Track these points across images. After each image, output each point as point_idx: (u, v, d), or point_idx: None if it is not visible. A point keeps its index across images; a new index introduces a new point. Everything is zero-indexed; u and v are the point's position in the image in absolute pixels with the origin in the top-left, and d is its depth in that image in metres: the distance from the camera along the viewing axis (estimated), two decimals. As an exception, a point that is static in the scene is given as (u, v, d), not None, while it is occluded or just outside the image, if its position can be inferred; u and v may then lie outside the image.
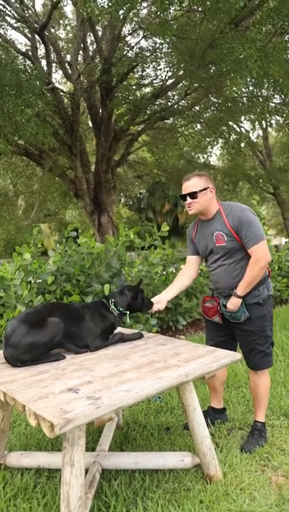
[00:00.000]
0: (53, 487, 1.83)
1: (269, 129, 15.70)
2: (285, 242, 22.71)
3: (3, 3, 7.34)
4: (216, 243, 2.21)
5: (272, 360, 2.28)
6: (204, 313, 2.34)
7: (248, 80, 7.44)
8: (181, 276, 2.48)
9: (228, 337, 2.33)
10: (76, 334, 2.00)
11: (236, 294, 2.13)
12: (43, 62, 8.39)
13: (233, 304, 2.14)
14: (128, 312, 2.25)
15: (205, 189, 2.20)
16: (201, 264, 2.49)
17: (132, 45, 8.86)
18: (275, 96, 8.41)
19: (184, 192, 2.24)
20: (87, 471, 1.75)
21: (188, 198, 2.21)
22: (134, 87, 8.97)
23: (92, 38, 9.36)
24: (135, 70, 8.61)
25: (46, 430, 1.25)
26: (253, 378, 2.28)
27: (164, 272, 4.63)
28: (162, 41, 7.35)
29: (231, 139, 11.02)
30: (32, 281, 3.50)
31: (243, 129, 12.46)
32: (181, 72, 7.98)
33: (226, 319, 2.25)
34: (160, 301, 2.38)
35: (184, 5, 5.96)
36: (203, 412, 1.93)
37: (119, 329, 2.56)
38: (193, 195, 2.20)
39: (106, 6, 5.17)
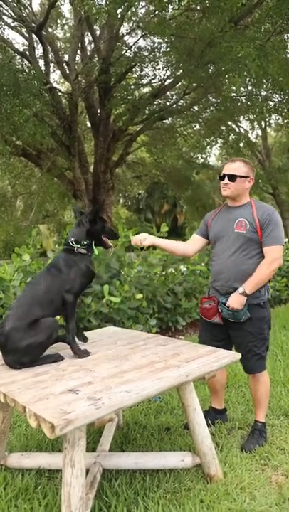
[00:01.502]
0: (53, 487, 1.83)
1: (268, 129, 15.72)
2: (285, 242, 22.75)
3: (0, 2, 7.32)
4: (235, 229, 2.15)
5: (265, 364, 2.27)
6: (203, 314, 2.28)
7: (247, 79, 7.44)
8: (179, 243, 2.44)
9: (225, 342, 2.25)
10: (53, 297, 1.90)
11: (244, 292, 2.07)
12: (41, 62, 8.39)
13: (239, 301, 2.08)
14: (93, 242, 2.07)
15: (245, 177, 2.20)
16: (202, 249, 2.42)
17: (130, 44, 8.85)
18: (274, 95, 8.41)
19: (225, 172, 2.22)
20: (87, 471, 1.75)
21: (226, 178, 2.20)
22: (132, 86, 8.98)
23: (90, 38, 9.37)
24: (133, 69, 8.62)
25: (47, 431, 1.25)
26: (252, 381, 2.27)
27: (164, 273, 4.62)
28: (161, 40, 7.35)
29: (230, 138, 11.02)
30: (31, 282, 3.49)
31: (242, 129, 12.46)
32: (179, 72, 7.99)
33: (225, 320, 2.19)
34: (147, 237, 2.22)
35: (182, 3, 5.96)
36: (203, 411, 1.93)
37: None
38: (232, 177, 2.19)
39: (104, 4, 5.15)
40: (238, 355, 1.90)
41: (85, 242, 2.04)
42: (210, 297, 2.25)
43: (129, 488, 1.80)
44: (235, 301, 2.08)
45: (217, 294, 2.23)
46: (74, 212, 2.18)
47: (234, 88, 7.55)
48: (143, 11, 8.05)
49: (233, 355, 1.87)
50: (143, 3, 7.75)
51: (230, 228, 2.17)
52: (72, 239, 2.04)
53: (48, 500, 1.73)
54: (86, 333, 2.29)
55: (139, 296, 3.83)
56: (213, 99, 9.43)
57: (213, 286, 2.28)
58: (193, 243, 2.40)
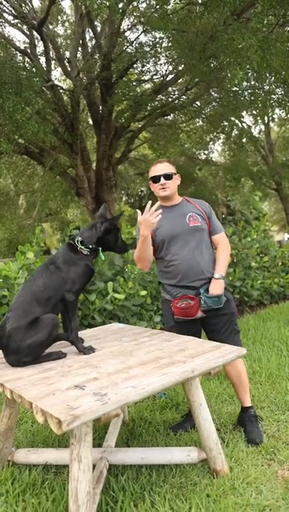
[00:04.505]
0: (60, 483, 1.84)
1: (271, 124, 15.60)
2: (288, 238, 22.63)
3: (0, -1, 7.30)
4: (189, 223, 2.22)
5: None
6: (184, 315, 2.19)
7: (250, 73, 7.37)
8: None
9: (198, 336, 2.27)
10: (51, 294, 1.88)
11: (222, 276, 2.19)
12: (42, 60, 8.36)
13: (221, 287, 2.17)
14: (100, 248, 2.04)
15: (176, 174, 2.30)
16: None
17: (131, 40, 8.81)
18: (278, 89, 8.34)
19: (157, 173, 2.25)
20: (94, 466, 1.76)
21: (162, 179, 2.23)
22: (134, 83, 8.92)
23: (91, 34, 9.32)
24: (135, 65, 8.56)
25: (54, 427, 1.26)
26: (235, 366, 2.25)
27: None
28: (162, 35, 7.29)
29: (233, 134, 10.96)
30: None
31: (244, 125, 12.39)
32: (181, 67, 7.93)
33: (205, 311, 2.19)
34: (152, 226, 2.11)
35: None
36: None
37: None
38: (168, 176, 2.24)
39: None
40: (244, 350, 1.90)
41: (90, 246, 2.01)
42: (182, 296, 2.20)
43: (136, 483, 1.81)
44: (218, 287, 2.17)
45: (187, 291, 2.20)
46: (99, 212, 2.11)
47: (236, 82, 7.48)
48: (144, 5, 8.00)
49: (238, 351, 1.87)
50: (144, -2, 7.70)
51: (184, 224, 2.22)
52: (80, 238, 2.02)
53: (55, 495, 1.74)
54: (91, 330, 2.30)
55: (143, 292, 3.83)
56: (216, 95, 9.37)
57: (178, 285, 2.23)
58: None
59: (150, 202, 2.09)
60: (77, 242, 2.01)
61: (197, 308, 2.18)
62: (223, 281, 2.19)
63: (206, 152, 13.04)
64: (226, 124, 10.45)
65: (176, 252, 2.21)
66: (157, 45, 8.06)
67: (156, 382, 1.50)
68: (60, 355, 1.88)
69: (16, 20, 7.95)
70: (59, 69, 9.66)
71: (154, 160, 13.23)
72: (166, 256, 2.25)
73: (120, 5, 5.80)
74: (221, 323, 2.24)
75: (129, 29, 8.80)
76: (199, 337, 2.28)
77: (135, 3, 6.93)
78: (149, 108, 8.84)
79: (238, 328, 2.31)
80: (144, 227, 2.09)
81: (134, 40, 8.35)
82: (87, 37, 9.56)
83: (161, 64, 8.68)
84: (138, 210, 2.14)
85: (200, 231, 2.23)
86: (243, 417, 2.28)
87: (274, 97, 8.64)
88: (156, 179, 2.25)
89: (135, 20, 8.20)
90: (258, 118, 12.41)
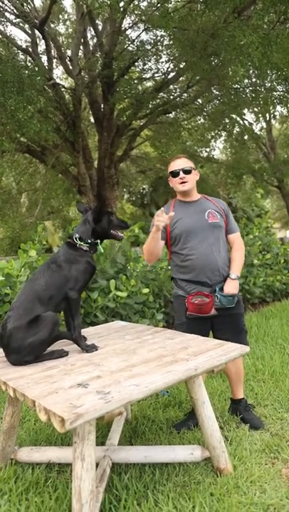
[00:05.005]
0: (64, 481, 1.84)
1: (273, 121, 15.54)
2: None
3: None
4: (208, 220, 2.24)
5: None
6: (198, 311, 2.20)
7: (251, 70, 7.34)
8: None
9: (207, 334, 2.30)
10: (53, 293, 1.88)
11: (237, 275, 2.24)
12: (44, 58, 8.35)
13: (236, 287, 2.21)
14: (98, 241, 2.04)
15: (195, 169, 2.34)
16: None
17: (132, 38, 8.78)
18: (279, 86, 8.30)
19: (176, 168, 2.27)
20: (97, 465, 1.76)
21: (181, 173, 2.25)
22: (135, 81, 8.90)
23: (93, 33, 9.30)
24: (136, 63, 8.53)
25: (57, 425, 1.25)
26: (235, 362, 2.31)
27: (170, 267, 4.61)
28: (163, 33, 7.26)
29: (235, 131, 10.92)
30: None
31: (246, 122, 12.34)
32: (182, 65, 7.90)
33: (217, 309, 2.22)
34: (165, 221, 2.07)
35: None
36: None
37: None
38: (187, 171, 2.27)
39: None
40: (247, 348, 1.89)
41: (89, 241, 2.02)
42: (197, 293, 2.21)
43: (139, 481, 1.80)
44: (233, 286, 2.20)
45: (201, 287, 2.21)
46: (79, 211, 2.15)
47: (237, 79, 7.45)
48: (145, 3, 7.97)
49: (241, 348, 1.86)
50: (145, -4, 7.66)
51: (203, 220, 2.24)
52: (77, 235, 2.02)
53: (58, 493, 1.74)
54: (93, 328, 2.30)
55: (146, 290, 3.83)
56: (217, 92, 9.33)
57: (193, 281, 2.23)
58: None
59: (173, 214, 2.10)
60: (76, 239, 2.01)
61: (211, 306, 2.20)
62: (237, 282, 2.24)
63: (208, 150, 13.00)
64: (227, 121, 10.42)
65: (194, 247, 2.22)
66: (158, 43, 8.03)
67: (160, 381, 1.50)
68: (62, 354, 1.87)
69: (18, 20, 7.93)
70: (61, 67, 9.66)
71: (155, 158, 13.23)
72: (183, 250, 2.25)
73: (121, 3, 5.78)
74: (230, 324, 2.27)
75: (130, 27, 8.76)
76: (208, 334, 2.31)
77: (136, 2, 6.91)
78: (150, 106, 8.82)
79: (246, 328, 2.36)
80: (159, 220, 2.05)
81: (136, 38, 8.32)
82: (89, 35, 9.54)
83: (162, 62, 8.65)
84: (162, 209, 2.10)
85: (218, 228, 2.26)
86: (238, 408, 2.38)
87: (275, 94, 8.60)
88: (175, 174, 2.28)
89: (136, 19, 8.16)
90: (260, 115, 12.37)
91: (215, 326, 2.30)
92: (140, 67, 8.84)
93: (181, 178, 2.26)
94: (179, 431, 2.26)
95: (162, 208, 2.14)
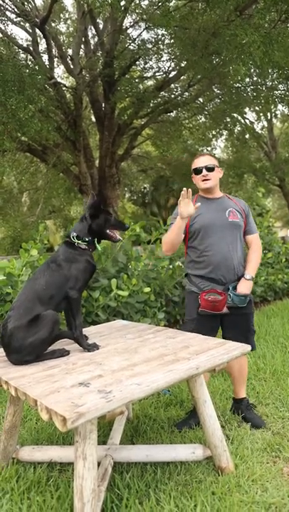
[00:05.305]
0: (65, 480, 1.84)
1: (274, 120, 15.52)
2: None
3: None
4: (228, 218, 2.24)
5: None
6: (211, 308, 2.21)
7: (252, 69, 7.33)
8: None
9: (216, 332, 2.32)
10: (53, 292, 1.87)
11: (252, 276, 2.25)
12: (45, 57, 8.34)
13: (249, 287, 2.22)
14: (96, 239, 2.01)
15: (218, 167, 2.32)
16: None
17: (133, 37, 8.77)
18: (280, 85, 8.28)
19: (200, 165, 2.27)
20: (99, 464, 1.76)
21: (204, 170, 2.25)
22: (136, 80, 8.90)
23: (94, 31, 9.30)
24: (137, 62, 8.54)
25: (58, 424, 1.25)
26: (238, 360, 2.30)
27: (171, 266, 4.61)
28: (164, 32, 7.26)
29: (236, 130, 10.91)
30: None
31: (247, 121, 12.33)
32: (184, 64, 7.89)
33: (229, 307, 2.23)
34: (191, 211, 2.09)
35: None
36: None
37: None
38: (210, 168, 2.26)
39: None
40: (248, 347, 1.89)
41: (86, 239, 2.00)
42: (210, 290, 2.22)
43: (141, 480, 1.80)
44: (247, 286, 2.22)
45: (215, 285, 2.22)
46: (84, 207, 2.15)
47: (239, 78, 7.44)
48: (146, 2, 7.96)
49: (242, 347, 1.86)
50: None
51: (223, 218, 2.24)
52: (74, 234, 2.01)
53: (60, 492, 1.74)
54: (95, 327, 2.29)
55: (147, 289, 3.83)
56: (218, 91, 9.32)
57: (207, 277, 2.24)
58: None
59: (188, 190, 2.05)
60: (73, 237, 2.00)
61: (224, 303, 2.21)
62: (252, 283, 2.25)
63: (209, 148, 12.99)
64: (228, 120, 10.42)
65: (212, 243, 2.22)
66: (160, 42, 8.02)
67: (161, 379, 1.49)
68: (63, 353, 1.87)
69: (19, 18, 7.94)
70: (62, 66, 9.65)
71: (157, 157, 13.23)
72: (201, 245, 2.26)
73: (122, 2, 5.78)
74: (240, 323, 2.29)
75: (131, 26, 8.76)
76: (217, 331, 2.34)
77: (137, 1, 6.91)
78: (151, 105, 8.82)
79: (254, 328, 2.37)
80: (184, 209, 2.05)
81: (137, 37, 8.32)
82: (90, 34, 9.54)
83: (163, 61, 8.68)
84: (185, 188, 2.05)
85: (237, 227, 2.26)
86: (240, 407, 2.38)
87: (277, 92, 8.59)
88: (198, 171, 2.28)
89: (137, 18, 8.15)
90: (261, 114, 12.35)
91: (225, 323, 2.31)
92: (141, 66, 8.84)
93: (204, 176, 2.25)
94: (181, 430, 2.26)
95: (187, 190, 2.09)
